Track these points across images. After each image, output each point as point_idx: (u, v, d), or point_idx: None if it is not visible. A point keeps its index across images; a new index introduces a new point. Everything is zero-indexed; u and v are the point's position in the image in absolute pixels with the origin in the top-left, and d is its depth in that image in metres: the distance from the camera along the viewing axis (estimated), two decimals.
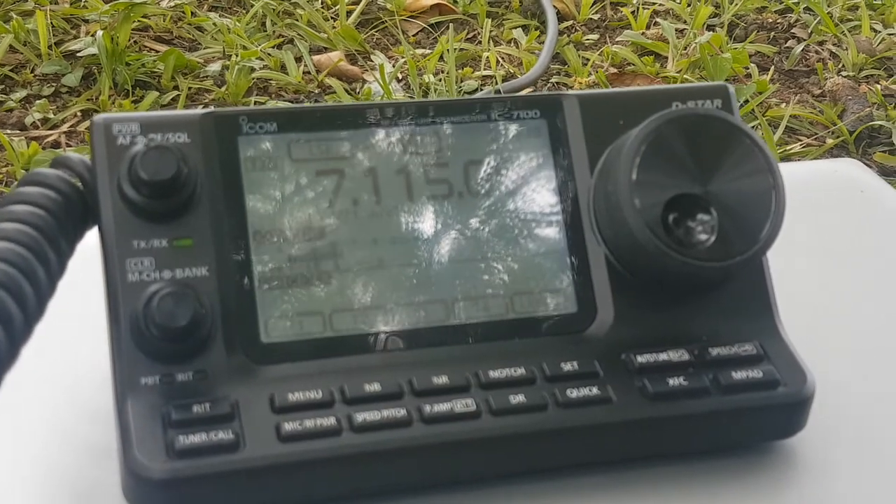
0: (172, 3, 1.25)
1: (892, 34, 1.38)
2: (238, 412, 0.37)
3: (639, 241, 0.40)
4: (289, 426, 0.37)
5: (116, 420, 0.37)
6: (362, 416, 0.38)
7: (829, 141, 1.14)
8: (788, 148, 1.13)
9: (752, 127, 1.13)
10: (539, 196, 0.43)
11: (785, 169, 0.42)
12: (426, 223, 0.42)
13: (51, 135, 1.05)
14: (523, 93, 1.20)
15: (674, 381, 0.41)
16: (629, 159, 0.41)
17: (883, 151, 1.12)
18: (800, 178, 0.42)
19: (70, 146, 1.05)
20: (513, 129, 0.44)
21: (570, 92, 0.45)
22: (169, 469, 0.36)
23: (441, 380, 0.39)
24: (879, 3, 1.46)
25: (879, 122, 1.16)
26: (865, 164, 1.10)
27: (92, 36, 1.15)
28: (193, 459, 0.36)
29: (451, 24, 1.34)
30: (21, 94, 1.11)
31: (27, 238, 0.36)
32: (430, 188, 0.42)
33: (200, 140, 0.40)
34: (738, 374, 0.41)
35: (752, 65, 1.29)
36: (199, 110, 0.42)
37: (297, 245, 0.40)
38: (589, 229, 0.43)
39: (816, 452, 0.43)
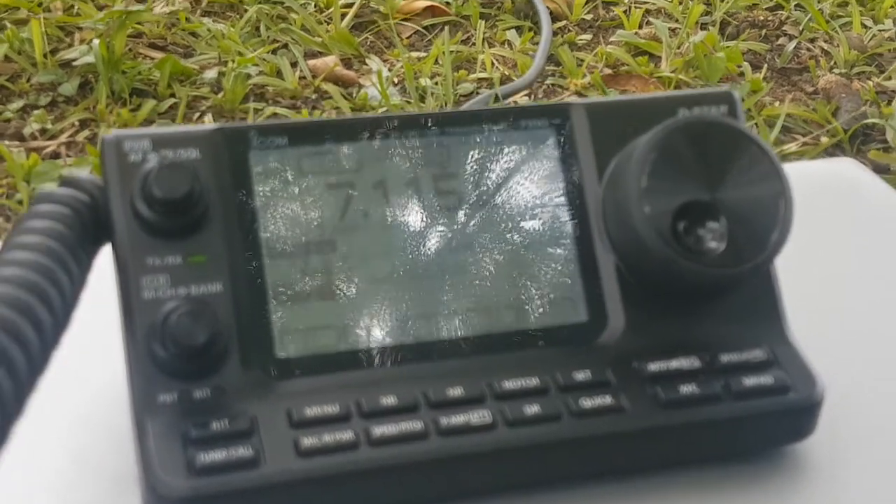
0: (167, 10, 1.25)
1: (882, 30, 1.39)
2: (257, 427, 0.38)
3: (649, 249, 0.40)
4: (307, 441, 0.37)
5: (135, 438, 0.37)
6: (380, 430, 0.38)
7: (825, 139, 1.15)
8: (785, 147, 1.13)
9: (750, 127, 1.14)
10: (548, 205, 0.43)
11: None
12: (437, 235, 0.42)
13: (49, 145, 1.05)
14: (523, 99, 1.20)
15: (685, 389, 0.41)
16: (638, 167, 0.41)
17: (877, 149, 1.13)
18: (798, 178, 0.42)
19: (69, 156, 1.05)
20: (521, 139, 0.44)
21: (578, 101, 0.45)
22: (190, 487, 0.36)
23: (456, 391, 0.40)
24: None
25: (873, 120, 1.16)
26: (860, 161, 1.10)
27: (87, 45, 1.15)
28: (214, 476, 0.36)
29: (445, 27, 1.34)
30: (18, 104, 1.10)
31: (44, 265, 0.36)
32: (440, 200, 0.43)
33: (211, 155, 0.40)
34: (749, 380, 0.41)
35: (745, 63, 1.29)
36: (210, 125, 0.42)
37: (308, 258, 0.41)
38: (598, 238, 0.43)
39: (826, 456, 0.43)
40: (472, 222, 0.43)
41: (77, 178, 0.41)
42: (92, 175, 0.42)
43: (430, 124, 0.43)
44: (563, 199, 0.43)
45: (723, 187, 0.41)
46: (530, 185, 0.43)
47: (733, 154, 0.42)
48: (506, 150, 0.44)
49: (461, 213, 0.42)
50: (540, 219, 0.43)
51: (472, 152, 0.43)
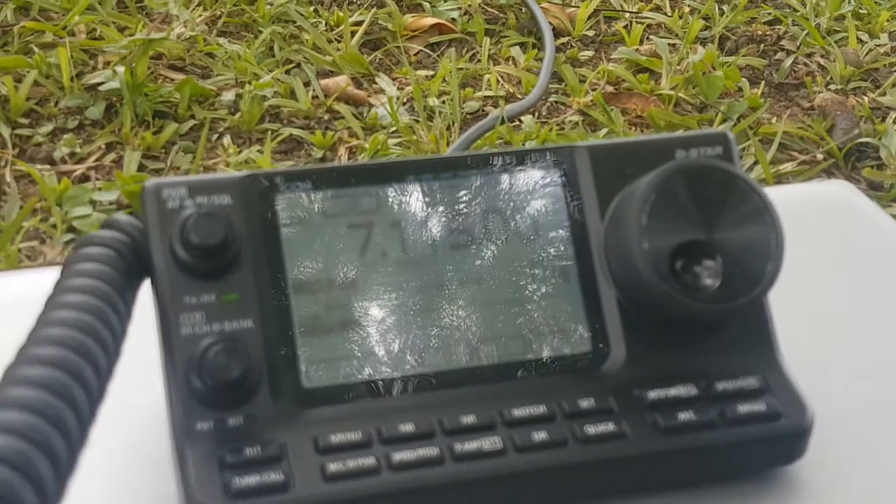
0: (186, 34, 1.28)
1: (878, 45, 1.42)
2: (286, 454, 0.40)
3: (648, 285, 0.43)
4: (333, 466, 0.40)
5: (175, 463, 0.40)
6: (399, 456, 0.41)
7: (819, 157, 1.18)
8: (782, 167, 1.16)
9: (745, 147, 1.17)
10: (554, 242, 0.46)
11: (773, 192, 0.44)
12: (449, 271, 0.45)
13: (78, 169, 1.08)
14: (528, 118, 1.23)
15: (683, 416, 0.43)
16: (638, 207, 0.43)
17: (871, 166, 1.16)
18: (789, 201, 0.44)
19: (98, 179, 1.08)
20: (528, 179, 0.47)
21: (581, 143, 0.47)
22: None
23: (469, 419, 0.42)
24: (865, 12, 1.50)
25: (867, 139, 1.19)
26: (854, 179, 1.13)
27: (112, 70, 1.18)
28: (249, 499, 0.39)
29: (452, 45, 1.37)
30: (48, 127, 1.14)
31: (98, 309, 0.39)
32: (453, 237, 0.45)
33: (242, 200, 0.43)
34: (743, 407, 0.44)
35: (743, 79, 1.32)
36: (240, 173, 0.45)
37: (331, 295, 0.43)
38: (601, 273, 0.45)
39: (815, 477, 0.45)
40: (483, 258, 0.45)
41: (118, 220, 0.44)
42: (130, 216, 0.45)
43: (441, 167, 0.46)
44: (567, 236, 0.46)
45: (718, 228, 0.43)
46: (537, 223, 0.46)
47: (727, 196, 0.44)
48: (514, 190, 0.46)
49: (472, 250, 0.45)
50: (546, 255, 0.46)
51: (482, 193, 0.46)
